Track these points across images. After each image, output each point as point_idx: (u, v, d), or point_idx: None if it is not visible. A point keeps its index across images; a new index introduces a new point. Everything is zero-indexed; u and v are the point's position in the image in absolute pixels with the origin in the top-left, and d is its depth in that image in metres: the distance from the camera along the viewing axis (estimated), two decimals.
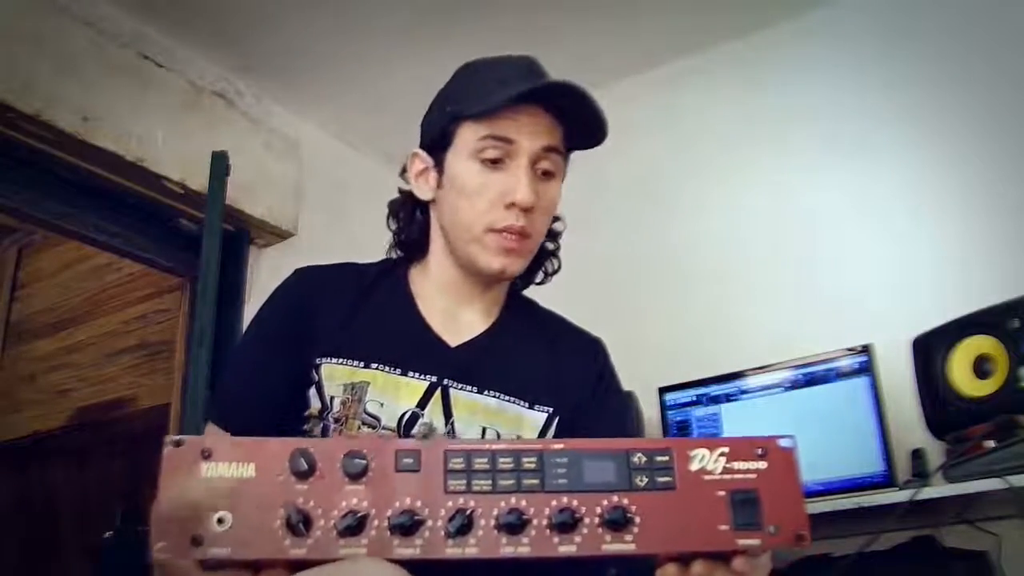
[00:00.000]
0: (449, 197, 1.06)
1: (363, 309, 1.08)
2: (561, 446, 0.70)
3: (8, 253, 3.75)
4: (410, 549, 0.66)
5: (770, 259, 2.33)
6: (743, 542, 0.69)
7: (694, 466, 0.71)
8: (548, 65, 1.07)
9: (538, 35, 2.41)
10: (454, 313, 1.11)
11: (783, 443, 0.72)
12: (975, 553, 1.69)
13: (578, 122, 1.04)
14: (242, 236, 2.58)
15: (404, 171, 1.14)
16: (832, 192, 2.30)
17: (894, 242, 2.17)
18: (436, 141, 1.07)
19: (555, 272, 1.18)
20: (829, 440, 1.86)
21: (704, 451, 0.71)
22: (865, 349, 1.91)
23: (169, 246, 2.51)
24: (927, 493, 1.58)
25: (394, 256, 1.17)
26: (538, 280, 1.18)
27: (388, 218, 1.17)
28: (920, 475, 1.72)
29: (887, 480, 1.79)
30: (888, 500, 1.63)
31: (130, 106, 2.26)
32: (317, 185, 2.77)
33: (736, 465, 0.71)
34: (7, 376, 3.55)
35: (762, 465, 0.71)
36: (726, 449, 0.71)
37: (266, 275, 2.55)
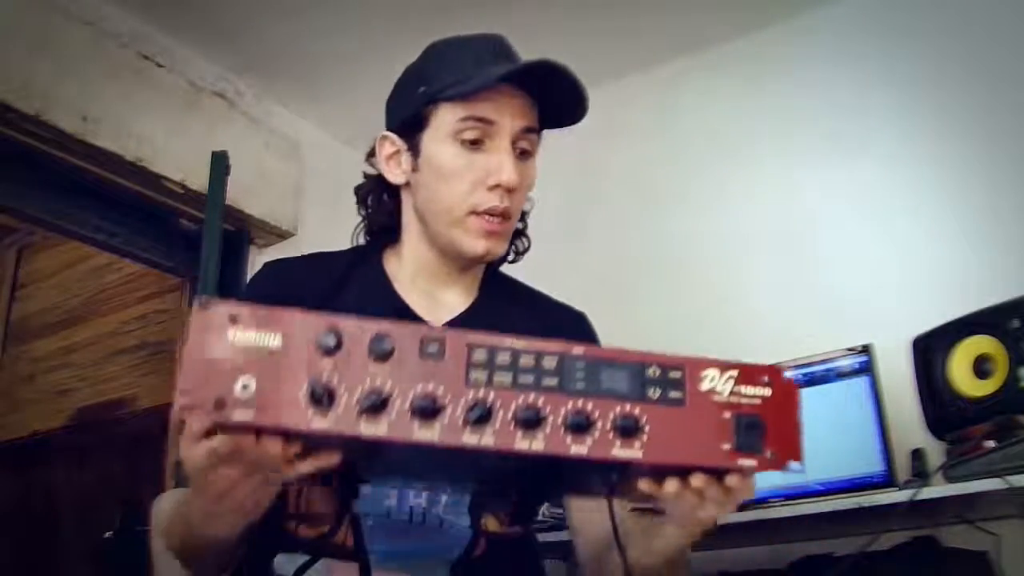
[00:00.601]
0: (426, 180, 1.04)
1: (339, 297, 1.06)
2: (581, 351, 0.72)
3: (8, 253, 3.75)
4: (429, 433, 0.67)
5: (770, 259, 2.33)
6: (742, 462, 0.72)
7: (704, 386, 0.73)
8: None
9: (537, 34, 2.40)
10: (433, 294, 1.10)
11: (788, 375, 0.76)
12: (975, 553, 1.69)
13: (557, 101, 1.03)
14: (242, 236, 2.58)
15: (371, 155, 1.12)
16: (832, 192, 2.30)
17: (894, 242, 2.17)
18: (409, 123, 1.05)
19: (526, 251, 1.17)
20: (829, 440, 1.85)
21: (715, 372, 0.74)
22: (865, 349, 1.91)
23: (169, 246, 2.51)
24: (927, 493, 1.57)
25: (364, 242, 1.16)
26: (510, 259, 1.16)
27: (357, 204, 1.15)
28: (920, 475, 1.72)
29: (887, 480, 1.79)
30: (888, 500, 1.63)
31: (130, 106, 2.26)
32: (317, 185, 2.77)
33: (743, 389, 0.74)
34: (7, 376, 3.55)
35: (767, 392, 0.74)
36: (735, 372, 0.74)
37: None
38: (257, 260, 2.62)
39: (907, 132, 2.23)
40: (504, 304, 1.13)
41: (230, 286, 2.41)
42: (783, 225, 2.35)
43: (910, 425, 1.82)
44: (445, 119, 1.02)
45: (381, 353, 0.68)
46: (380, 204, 1.12)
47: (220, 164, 2.23)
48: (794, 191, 2.36)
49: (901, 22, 2.31)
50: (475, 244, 1.03)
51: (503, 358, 0.70)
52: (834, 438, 1.86)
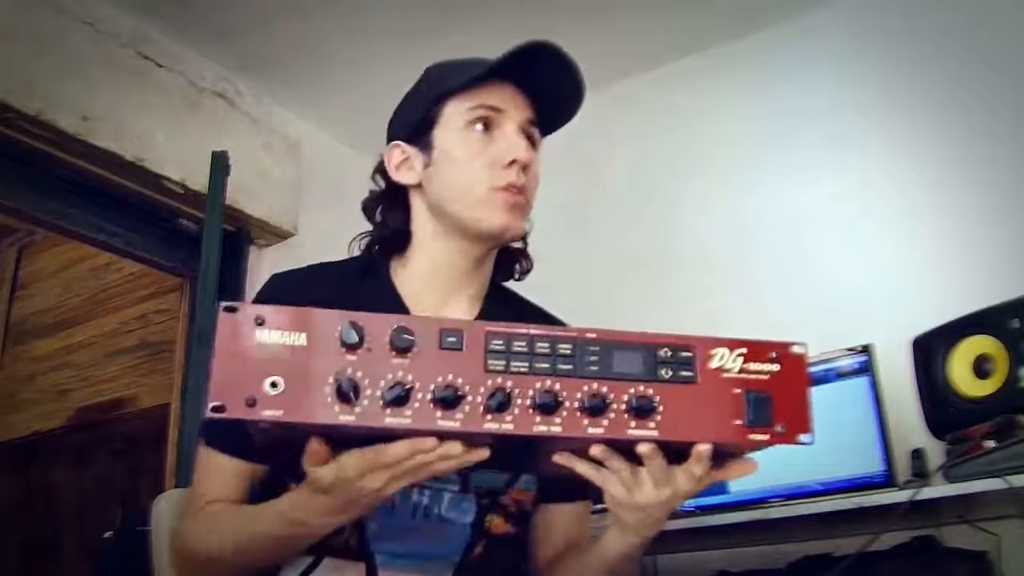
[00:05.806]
0: (443, 169, 1.07)
1: (347, 310, 1.06)
2: (594, 335, 0.74)
3: (8, 253, 3.75)
4: (451, 422, 0.69)
5: (770, 259, 2.33)
6: (753, 437, 0.74)
7: (714, 364, 0.75)
8: None
9: (537, 35, 2.41)
10: (441, 308, 1.11)
11: (795, 349, 0.78)
12: (975, 553, 1.69)
13: (554, 95, 1.08)
14: (242, 236, 2.58)
15: (379, 170, 1.14)
16: (833, 192, 2.29)
17: (894, 242, 2.17)
18: (419, 125, 1.09)
19: (528, 271, 1.18)
20: (829, 440, 1.83)
21: (724, 350, 0.76)
22: (865, 349, 1.91)
23: (169, 246, 2.51)
24: (927, 493, 1.57)
25: (372, 253, 1.15)
26: (516, 277, 1.19)
27: (369, 216, 1.16)
28: (920, 475, 1.72)
29: (887, 480, 1.78)
30: (888, 500, 1.62)
31: (130, 106, 2.27)
32: (317, 185, 2.77)
33: (752, 366, 0.76)
34: (7, 376, 3.55)
35: (775, 368, 0.76)
36: (744, 350, 0.76)
37: (266, 275, 2.54)
38: (257, 260, 2.62)
39: (907, 132, 2.22)
40: (508, 316, 1.13)
41: (230, 286, 2.41)
42: (783, 225, 2.35)
43: (910, 425, 1.81)
44: (455, 111, 1.07)
45: (403, 347, 0.70)
46: (391, 213, 1.13)
47: (220, 164, 2.23)
48: (794, 191, 2.36)
49: (901, 22, 2.31)
50: (498, 217, 1.05)
51: (520, 345, 0.72)
52: (834, 438, 1.85)
